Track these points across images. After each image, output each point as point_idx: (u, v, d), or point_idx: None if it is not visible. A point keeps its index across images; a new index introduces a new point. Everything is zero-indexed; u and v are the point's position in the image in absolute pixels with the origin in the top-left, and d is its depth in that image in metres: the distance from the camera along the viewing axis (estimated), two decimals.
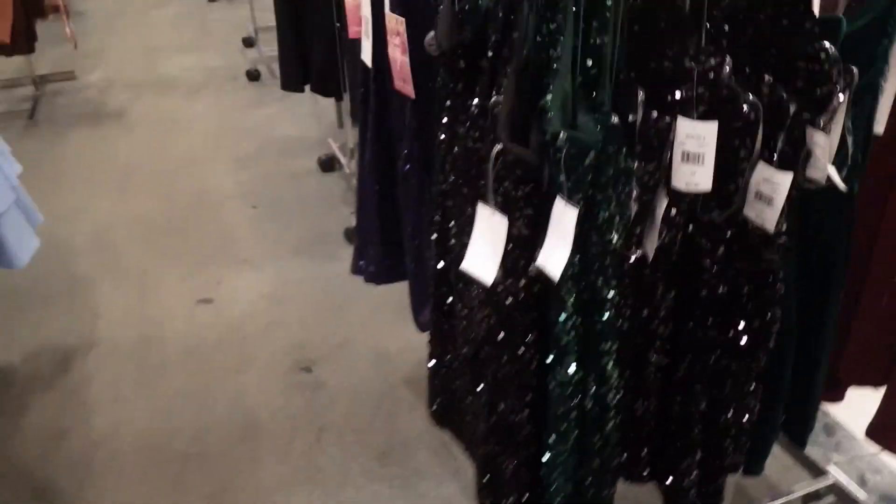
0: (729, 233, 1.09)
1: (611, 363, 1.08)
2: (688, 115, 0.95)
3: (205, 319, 2.67)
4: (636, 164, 0.96)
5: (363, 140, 1.78)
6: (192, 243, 3.14)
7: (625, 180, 0.95)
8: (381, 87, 1.71)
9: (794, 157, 1.06)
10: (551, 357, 1.07)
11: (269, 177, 3.64)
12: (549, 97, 0.90)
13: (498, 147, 0.93)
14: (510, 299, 1.05)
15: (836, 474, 1.82)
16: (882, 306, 1.33)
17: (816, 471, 1.85)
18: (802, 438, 1.40)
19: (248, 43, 5.29)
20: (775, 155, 1.05)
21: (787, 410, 1.35)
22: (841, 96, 1.03)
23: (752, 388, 1.25)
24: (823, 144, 1.06)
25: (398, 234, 1.82)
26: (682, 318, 1.13)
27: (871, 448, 1.57)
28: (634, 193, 0.96)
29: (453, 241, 1.27)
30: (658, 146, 0.97)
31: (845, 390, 1.51)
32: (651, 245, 1.02)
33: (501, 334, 1.10)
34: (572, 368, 1.07)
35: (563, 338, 1.05)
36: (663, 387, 1.21)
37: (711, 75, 0.95)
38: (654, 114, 0.96)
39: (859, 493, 1.79)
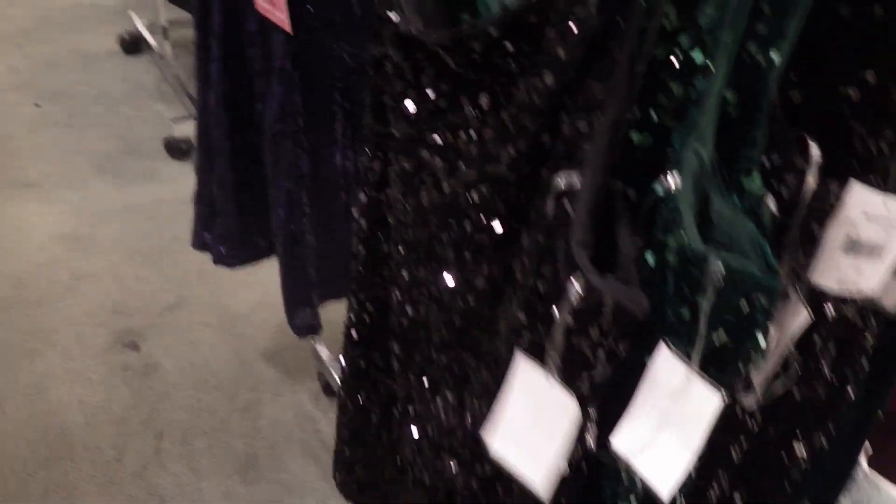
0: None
1: None
2: (869, 180, 0.53)
3: None
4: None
5: (204, 75, 1.18)
6: None
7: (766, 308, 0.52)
8: None
9: None
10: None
11: (54, 61, 2.81)
12: (673, 175, 0.44)
13: (577, 286, 0.44)
14: None
15: None
16: None
17: None
18: None
19: None
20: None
21: None
22: None
23: None
24: None
25: (261, 206, 1.29)
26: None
27: None
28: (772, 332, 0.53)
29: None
30: (816, 235, 0.54)
31: None
32: (761, 386, 0.61)
33: None
34: None
35: None
36: None
37: None
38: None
39: None
